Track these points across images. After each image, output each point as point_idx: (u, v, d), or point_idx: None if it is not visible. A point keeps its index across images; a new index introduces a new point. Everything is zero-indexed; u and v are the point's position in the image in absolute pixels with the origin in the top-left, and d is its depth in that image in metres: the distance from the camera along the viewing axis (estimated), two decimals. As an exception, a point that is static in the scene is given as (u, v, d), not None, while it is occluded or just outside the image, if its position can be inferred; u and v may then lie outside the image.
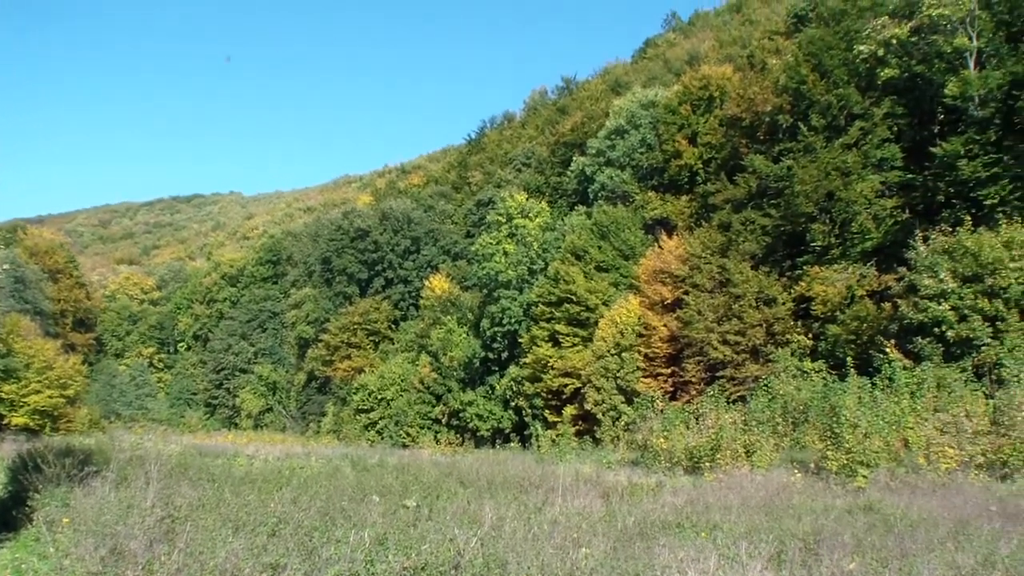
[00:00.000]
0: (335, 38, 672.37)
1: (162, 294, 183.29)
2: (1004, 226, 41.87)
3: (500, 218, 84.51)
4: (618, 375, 59.94)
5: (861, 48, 54.63)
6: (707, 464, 34.11)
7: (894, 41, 53.01)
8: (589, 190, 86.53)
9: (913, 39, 52.80)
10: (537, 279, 76.49)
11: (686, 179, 72.11)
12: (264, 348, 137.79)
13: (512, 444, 65.22)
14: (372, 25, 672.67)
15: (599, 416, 59.77)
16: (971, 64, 49.98)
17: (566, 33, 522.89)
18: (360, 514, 19.14)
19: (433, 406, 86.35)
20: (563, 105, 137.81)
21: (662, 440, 37.58)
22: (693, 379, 54.69)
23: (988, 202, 45.74)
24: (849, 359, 41.26)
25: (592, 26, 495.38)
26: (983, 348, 38.66)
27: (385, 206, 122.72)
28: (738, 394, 49.61)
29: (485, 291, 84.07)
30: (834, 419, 31.62)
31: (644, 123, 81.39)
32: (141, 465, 21.25)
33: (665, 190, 74.52)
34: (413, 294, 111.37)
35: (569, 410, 64.93)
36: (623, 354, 60.25)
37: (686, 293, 57.22)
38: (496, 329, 79.53)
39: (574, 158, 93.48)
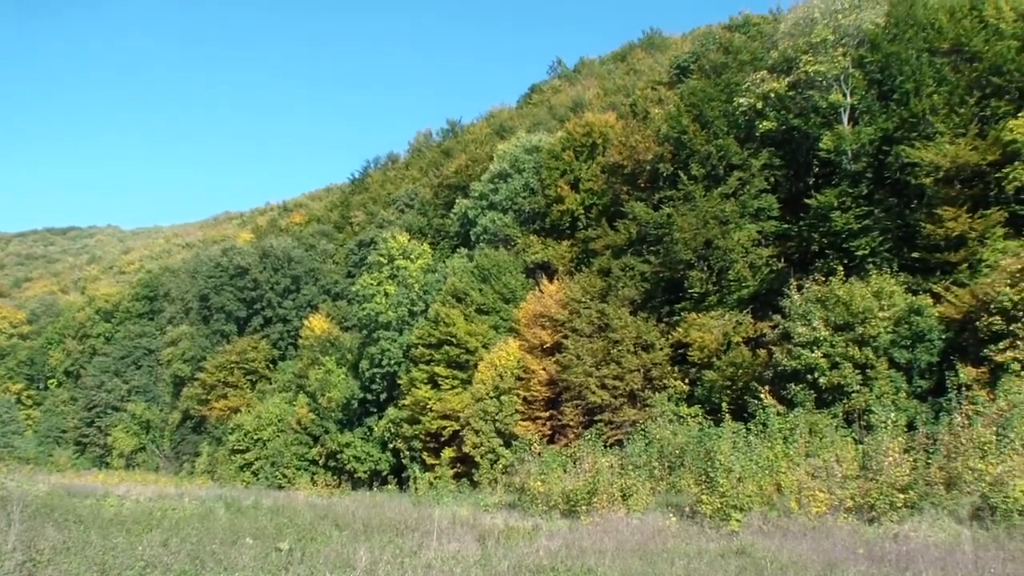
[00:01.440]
0: (220, 72, 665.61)
1: (33, 328, 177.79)
2: (874, 276, 43.21)
3: (382, 259, 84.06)
4: (497, 418, 59.78)
5: (741, 101, 55.93)
6: (584, 507, 34.12)
7: (772, 95, 54.42)
8: (471, 233, 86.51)
9: (791, 94, 54.30)
10: (417, 321, 76.09)
11: (567, 224, 72.55)
12: (138, 386, 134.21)
13: (389, 486, 64.58)
14: (259, 60, 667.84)
15: (477, 459, 59.48)
16: (845, 119, 51.54)
17: (453, 76, 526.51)
18: (231, 558, 18.72)
19: (310, 447, 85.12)
20: (447, 147, 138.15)
21: (539, 483, 37.50)
22: (571, 423, 54.73)
23: (859, 253, 47.03)
24: (724, 404, 41.78)
25: (479, 70, 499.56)
26: (853, 395, 39.65)
27: (266, 244, 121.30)
28: (615, 438, 49.84)
29: (365, 332, 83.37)
30: (709, 463, 31.94)
31: (527, 168, 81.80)
32: (3, 506, 20.50)
33: (547, 234, 74.86)
34: (292, 333, 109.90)
35: (447, 452, 64.56)
36: (502, 397, 60.16)
37: (565, 337, 57.39)
38: (375, 370, 78.84)
39: (457, 200, 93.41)
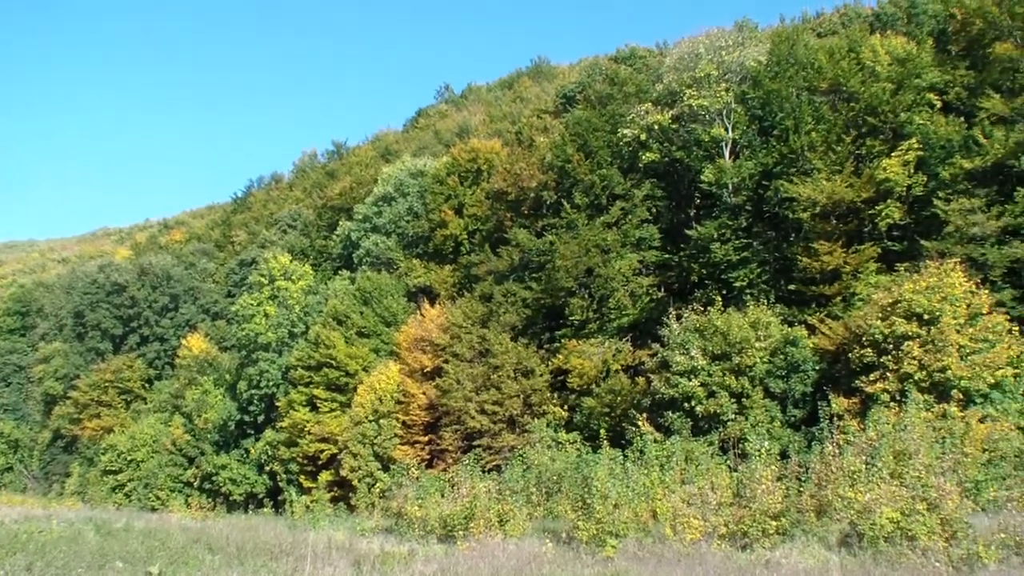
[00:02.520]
0: (99, 83, 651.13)
1: None
2: (752, 307, 44.08)
3: (262, 279, 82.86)
4: (375, 442, 59.25)
5: (625, 132, 56.62)
6: (461, 532, 33.84)
7: (656, 127, 55.25)
8: (354, 255, 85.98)
9: (674, 126, 55.21)
10: (297, 342, 75.22)
11: (451, 249, 72.63)
12: (7, 403, 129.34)
13: (265, 509, 63.34)
14: (140, 74, 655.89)
15: (355, 483, 58.76)
16: (726, 153, 52.59)
17: (339, 97, 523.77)
18: (98, 582, 18.10)
19: (185, 469, 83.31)
20: (332, 169, 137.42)
21: (416, 508, 37.16)
22: (450, 447, 54.53)
23: (738, 284, 47.98)
24: (603, 431, 42.09)
25: (366, 93, 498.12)
26: (729, 423, 40.26)
27: (144, 261, 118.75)
28: (494, 463, 49.82)
29: (244, 352, 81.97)
30: (586, 490, 31.99)
31: (412, 191, 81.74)
32: None
33: (429, 259, 74.85)
34: (169, 353, 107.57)
35: (325, 476, 63.79)
36: (381, 421, 59.67)
37: (446, 362, 57.23)
38: (253, 392, 77.59)
39: (340, 222, 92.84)
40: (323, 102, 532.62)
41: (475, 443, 52.70)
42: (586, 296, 54.24)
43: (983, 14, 48.04)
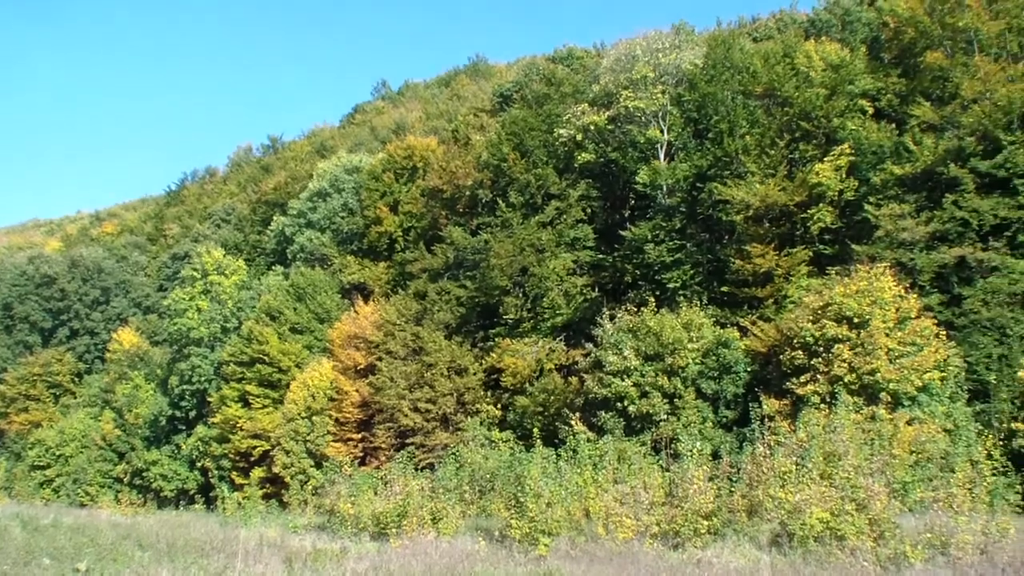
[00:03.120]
0: (28, 72, 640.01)
1: None
2: (684, 308, 44.47)
3: (195, 273, 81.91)
4: (308, 439, 58.93)
5: (561, 132, 56.79)
6: (393, 530, 33.73)
7: (592, 128, 55.50)
8: (288, 251, 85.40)
9: (610, 127, 55.50)
10: (230, 338, 74.41)
11: (385, 246, 72.40)
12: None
13: (197, 506, 62.56)
14: (69, 64, 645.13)
15: (287, 479, 58.41)
16: (661, 155, 53.02)
17: (276, 92, 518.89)
18: (24, 578, 17.83)
19: (115, 464, 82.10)
20: (267, 164, 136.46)
21: (349, 505, 36.97)
22: (383, 445, 54.37)
23: (671, 285, 48.40)
24: (536, 430, 42.04)
25: (302, 87, 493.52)
26: (661, 423, 40.57)
27: (75, 253, 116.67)
28: (427, 461, 49.78)
29: (175, 347, 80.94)
30: (519, 488, 31.98)
31: (347, 188, 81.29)
32: None
33: (364, 255, 74.52)
34: (100, 347, 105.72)
35: (257, 472, 63.22)
36: (314, 418, 59.35)
37: (379, 359, 57.02)
38: (185, 387, 76.67)
39: (275, 218, 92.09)
40: (259, 96, 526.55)
41: (408, 441, 52.58)
42: (520, 295, 54.38)
43: (915, 23, 48.91)
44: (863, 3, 66.06)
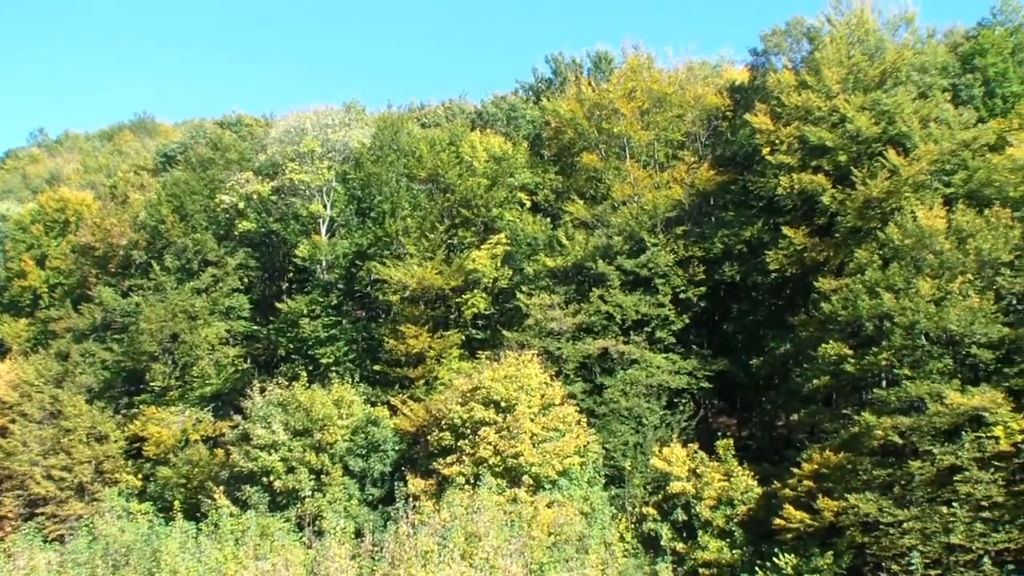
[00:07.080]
0: None
1: None
2: (336, 385, 44.40)
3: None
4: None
5: (223, 198, 55.96)
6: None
7: (256, 197, 55.08)
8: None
9: (273, 198, 55.26)
10: None
11: (28, 301, 68.56)
12: None
13: None
14: None
15: None
16: (323, 230, 53.19)
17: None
18: None
19: None
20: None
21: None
22: (10, 514, 50.80)
23: (324, 360, 48.41)
24: (177, 503, 40.74)
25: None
26: (307, 499, 40.13)
27: None
28: (58, 533, 47.04)
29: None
30: (154, 563, 30.86)
31: (-8, 238, 76.72)
32: None
33: (4, 310, 70.21)
34: None
35: None
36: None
37: (12, 421, 53.50)
38: None
39: None
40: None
41: (39, 511, 49.64)
42: (169, 362, 52.82)
43: (574, 125, 51.55)
44: (528, 101, 69.07)
